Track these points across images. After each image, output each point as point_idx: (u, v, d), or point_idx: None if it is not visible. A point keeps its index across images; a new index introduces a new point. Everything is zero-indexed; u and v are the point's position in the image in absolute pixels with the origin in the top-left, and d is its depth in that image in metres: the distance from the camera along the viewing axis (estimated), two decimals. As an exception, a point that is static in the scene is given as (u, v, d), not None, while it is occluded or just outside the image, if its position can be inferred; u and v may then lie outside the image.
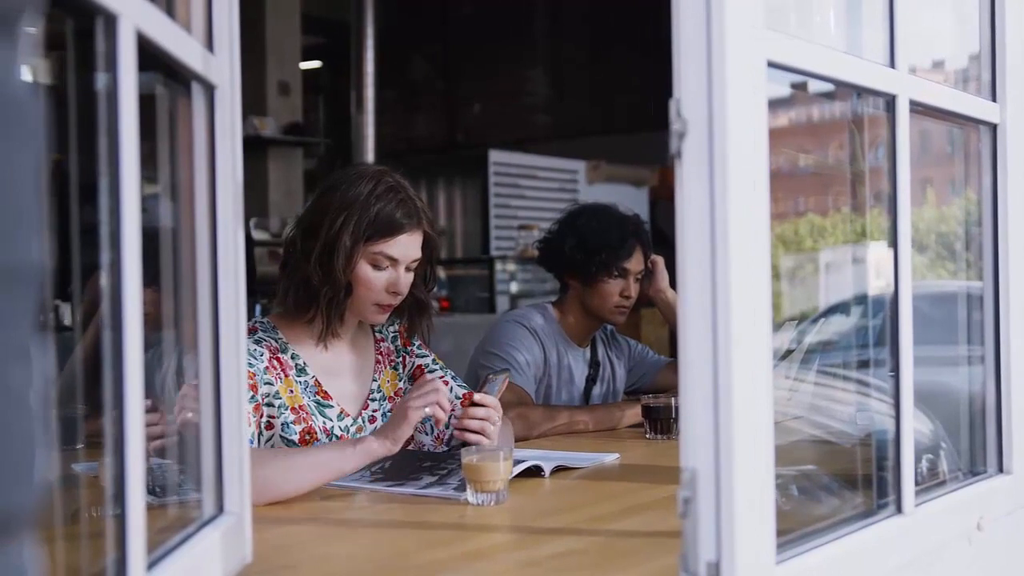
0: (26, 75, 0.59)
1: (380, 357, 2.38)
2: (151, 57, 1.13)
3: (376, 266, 2.20)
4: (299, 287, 2.20)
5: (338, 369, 2.29)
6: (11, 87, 0.57)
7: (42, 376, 0.60)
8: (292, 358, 2.23)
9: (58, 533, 1.18)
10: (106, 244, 1.02)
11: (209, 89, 1.36)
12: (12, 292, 0.57)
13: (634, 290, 3.03)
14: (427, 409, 1.99)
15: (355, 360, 2.33)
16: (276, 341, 2.23)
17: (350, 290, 2.20)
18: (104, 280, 1.03)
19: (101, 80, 1.03)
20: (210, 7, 1.37)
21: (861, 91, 1.56)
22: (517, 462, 2.04)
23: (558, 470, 2.19)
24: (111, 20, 1.00)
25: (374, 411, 2.32)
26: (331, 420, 2.23)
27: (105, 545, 1.07)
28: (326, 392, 2.24)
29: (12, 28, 0.57)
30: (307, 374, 2.23)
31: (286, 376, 2.19)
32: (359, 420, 2.29)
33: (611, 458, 2.36)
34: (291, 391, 2.19)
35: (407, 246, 2.22)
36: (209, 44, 1.36)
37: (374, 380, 2.35)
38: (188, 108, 1.35)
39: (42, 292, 0.60)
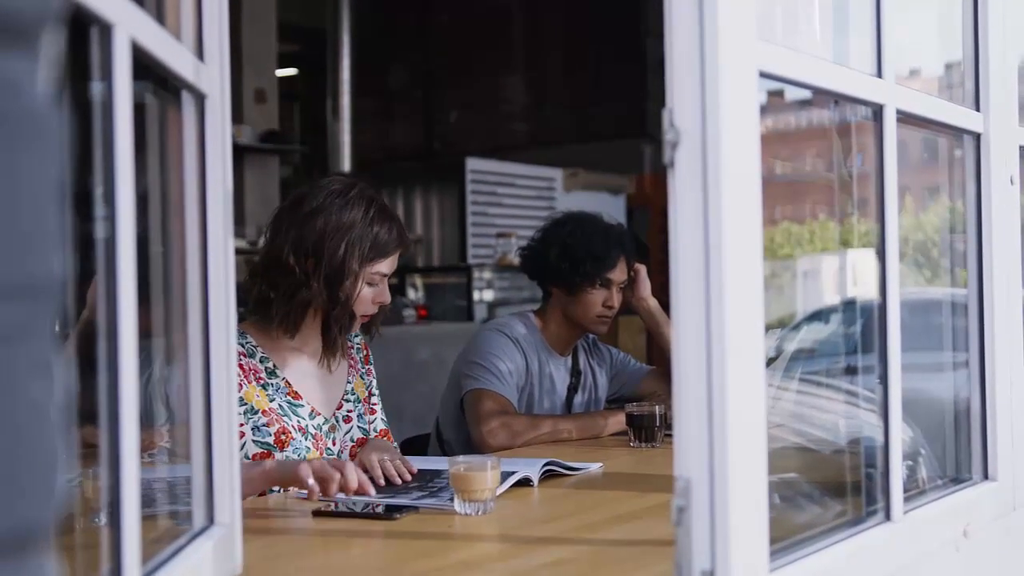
0: (46, 87, 0.59)
1: (352, 362, 2.48)
2: (142, 66, 1.12)
3: (370, 284, 2.31)
4: (300, 308, 2.27)
5: (311, 372, 2.36)
6: (32, 100, 0.57)
7: (61, 389, 0.60)
8: (261, 361, 2.29)
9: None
10: (101, 253, 1.01)
11: (200, 98, 1.35)
12: (34, 305, 0.57)
13: (617, 300, 3.04)
14: (311, 481, 1.91)
15: (326, 364, 2.39)
16: (243, 346, 2.27)
17: (354, 314, 2.30)
18: (99, 289, 1.02)
19: (95, 88, 1.02)
20: (200, 16, 1.37)
21: (849, 100, 1.57)
22: (506, 474, 2.04)
23: (547, 476, 2.19)
24: (106, 29, 1.00)
25: (348, 411, 2.41)
26: (304, 419, 2.29)
27: (96, 556, 1.06)
28: (296, 392, 2.31)
29: (32, 41, 0.57)
30: (278, 376, 2.30)
31: (250, 382, 2.25)
32: (332, 419, 2.37)
33: (595, 467, 2.36)
34: (258, 395, 2.25)
35: (395, 261, 2.35)
36: (199, 53, 1.35)
37: (348, 382, 2.44)
38: (178, 117, 1.34)
39: (59, 306, 0.60)
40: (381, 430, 2.46)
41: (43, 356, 0.58)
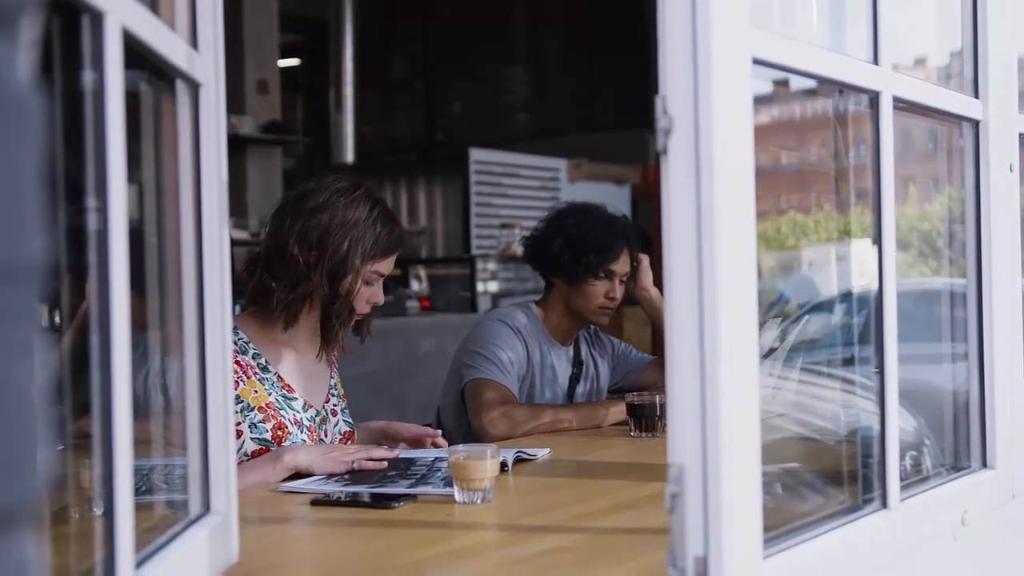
0: (26, 73, 0.59)
1: (333, 360, 2.52)
2: (135, 55, 1.12)
3: (367, 283, 2.34)
4: (300, 300, 2.30)
5: (299, 366, 2.40)
6: (12, 85, 0.57)
7: (43, 371, 0.60)
8: (253, 358, 2.32)
9: (43, 533, 1.17)
10: (93, 244, 1.01)
11: (194, 87, 1.35)
12: (16, 288, 0.57)
13: (619, 292, 3.04)
14: (354, 465, 2.15)
15: (314, 359, 2.43)
16: (235, 343, 2.29)
17: (353, 308, 2.32)
18: (89, 281, 1.02)
19: (87, 78, 1.02)
20: (194, 4, 1.37)
21: (845, 87, 1.57)
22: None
23: (518, 462, 2.25)
24: (97, 17, 1.00)
25: (334, 405, 2.47)
26: (298, 412, 2.33)
27: (91, 545, 1.07)
28: (289, 386, 2.35)
29: (12, 26, 0.57)
30: (270, 371, 2.32)
31: (248, 378, 2.28)
32: (323, 412, 2.41)
33: (544, 452, 2.41)
34: (255, 391, 2.28)
35: (392, 262, 2.40)
36: (194, 42, 1.35)
37: (332, 377, 2.49)
38: (172, 106, 1.34)
39: (41, 288, 0.61)
40: (346, 431, 2.49)
41: (25, 339, 0.58)
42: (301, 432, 2.30)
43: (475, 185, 8.00)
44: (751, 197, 1.23)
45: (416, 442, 2.45)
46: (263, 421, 2.25)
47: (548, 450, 2.43)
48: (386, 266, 2.36)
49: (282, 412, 2.29)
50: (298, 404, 2.34)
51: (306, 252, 2.28)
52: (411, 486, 1.99)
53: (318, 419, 2.38)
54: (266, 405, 2.27)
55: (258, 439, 2.24)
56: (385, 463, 2.17)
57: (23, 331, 0.58)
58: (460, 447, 1.96)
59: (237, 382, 2.23)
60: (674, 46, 1.18)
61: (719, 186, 1.17)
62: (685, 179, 1.18)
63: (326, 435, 2.40)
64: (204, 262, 1.37)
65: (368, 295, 2.35)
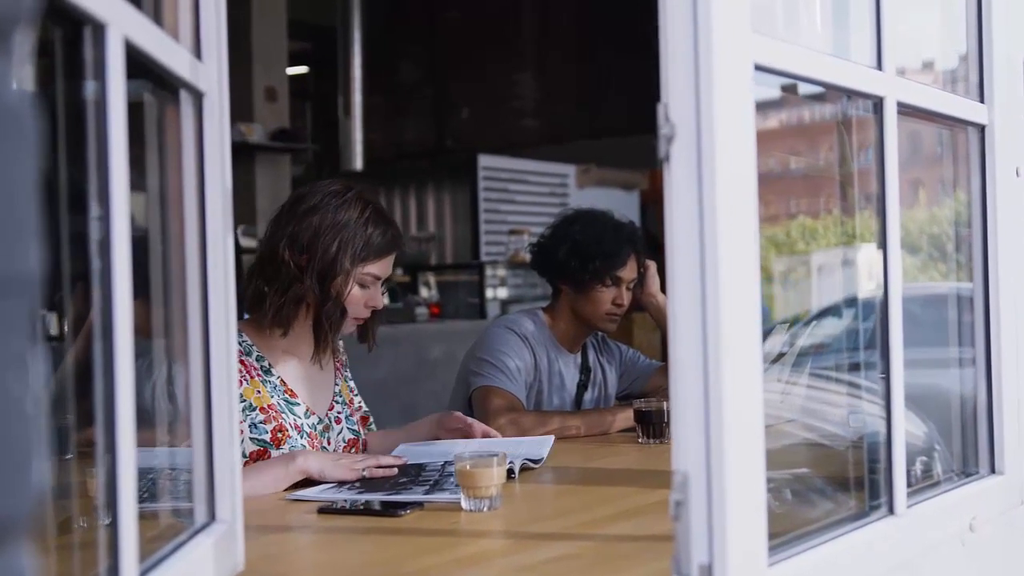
0: (21, 84, 0.59)
1: (338, 366, 2.52)
2: (139, 65, 1.13)
3: (362, 285, 2.34)
4: (292, 303, 2.30)
5: (303, 373, 2.40)
6: (6, 96, 0.57)
7: (39, 383, 0.61)
8: (257, 360, 2.32)
9: (49, 543, 1.18)
10: (96, 253, 1.02)
11: (197, 96, 1.35)
12: (10, 300, 0.57)
13: (626, 298, 3.03)
14: (365, 472, 2.14)
15: (318, 366, 2.43)
16: (240, 345, 2.29)
17: (345, 310, 2.31)
18: (94, 290, 1.02)
19: (89, 88, 1.03)
20: (198, 14, 1.37)
21: (849, 93, 1.57)
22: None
23: (524, 469, 2.24)
24: (99, 29, 1.00)
25: (338, 413, 2.46)
26: (299, 417, 2.33)
27: (96, 554, 1.07)
28: (292, 391, 2.35)
29: (6, 38, 0.57)
30: (273, 375, 2.33)
31: (252, 378, 2.29)
32: (326, 419, 2.41)
33: (548, 442, 2.44)
34: (258, 392, 2.29)
35: (390, 265, 2.38)
36: (197, 51, 1.36)
37: (336, 385, 2.48)
38: (176, 116, 1.35)
39: (38, 301, 0.61)
40: (350, 439, 2.48)
41: (19, 350, 0.58)
42: (301, 437, 2.30)
43: (484, 191, 8.01)
44: (753, 203, 1.22)
45: (465, 433, 2.46)
46: (264, 422, 2.25)
47: (552, 438, 2.46)
48: (380, 268, 2.34)
49: (283, 415, 2.29)
50: (300, 410, 2.34)
51: (297, 255, 2.28)
52: (425, 492, 1.99)
53: (320, 427, 2.38)
54: (268, 406, 2.27)
55: (257, 440, 2.24)
56: (395, 470, 2.17)
57: (18, 343, 0.58)
58: (466, 454, 1.96)
59: (240, 381, 2.23)
60: (675, 52, 1.18)
61: (721, 192, 1.17)
62: (687, 185, 1.18)
63: (329, 443, 2.39)
64: (208, 271, 1.37)
65: (365, 299, 2.34)
